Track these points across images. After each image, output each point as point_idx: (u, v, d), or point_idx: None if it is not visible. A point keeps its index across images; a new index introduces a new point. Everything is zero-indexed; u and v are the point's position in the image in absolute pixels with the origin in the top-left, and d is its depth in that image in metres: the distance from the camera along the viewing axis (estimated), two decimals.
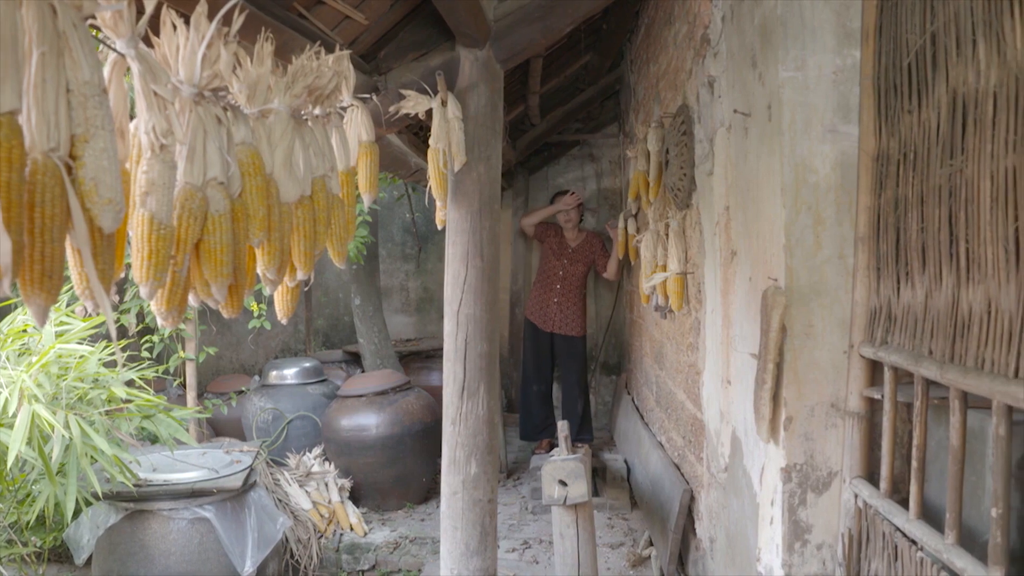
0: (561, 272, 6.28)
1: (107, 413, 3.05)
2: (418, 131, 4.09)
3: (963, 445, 1.62)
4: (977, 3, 1.60)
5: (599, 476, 5.61)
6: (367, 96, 2.51)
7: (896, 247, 2.00)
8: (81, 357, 3.00)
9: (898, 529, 1.88)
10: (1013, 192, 1.46)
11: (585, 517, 3.20)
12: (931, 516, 1.83)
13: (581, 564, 3.17)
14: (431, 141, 2.68)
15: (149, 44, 1.34)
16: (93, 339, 3.33)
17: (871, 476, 2.15)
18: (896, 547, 1.88)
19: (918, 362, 1.79)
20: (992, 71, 1.54)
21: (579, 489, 3.13)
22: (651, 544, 4.35)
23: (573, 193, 6.29)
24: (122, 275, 1.27)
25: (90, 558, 3.48)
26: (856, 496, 2.15)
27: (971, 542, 1.69)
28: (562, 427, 3.38)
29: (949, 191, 1.72)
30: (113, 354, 3.09)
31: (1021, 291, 1.43)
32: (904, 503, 1.88)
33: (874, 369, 2.15)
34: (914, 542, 1.80)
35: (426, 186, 2.73)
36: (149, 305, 1.39)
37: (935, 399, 1.79)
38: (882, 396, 2.03)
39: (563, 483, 3.12)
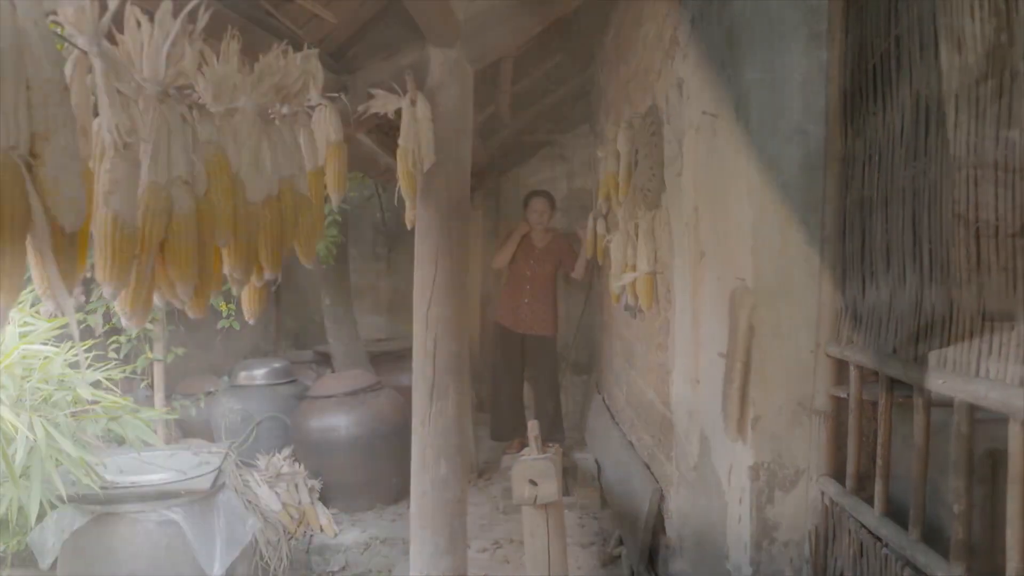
0: (529, 273, 6.30)
1: (73, 415, 3.00)
2: (388, 130, 4.06)
3: (926, 443, 1.64)
4: (939, 7, 1.63)
5: (570, 476, 5.61)
6: (336, 95, 2.49)
7: (862, 247, 2.03)
8: (46, 358, 2.95)
9: (864, 526, 1.90)
10: (974, 194, 1.48)
11: (556, 516, 3.20)
12: (896, 513, 1.85)
13: (552, 563, 3.17)
14: (400, 141, 2.66)
15: (113, 41, 1.33)
16: (59, 339, 3.27)
17: (838, 474, 2.17)
18: (862, 544, 1.90)
19: (882, 361, 1.82)
20: (953, 74, 1.57)
21: (549, 489, 3.12)
22: (621, 543, 4.37)
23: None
24: (88, 274, 1.26)
25: (55, 562, 3.42)
26: (823, 494, 2.17)
27: (935, 538, 1.71)
28: (532, 427, 3.38)
29: (913, 192, 1.74)
30: (78, 355, 3.04)
31: (981, 292, 1.45)
32: (870, 500, 1.90)
33: (840, 368, 2.18)
34: (879, 539, 1.82)
35: (396, 185, 2.72)
36: (114, 305, 1.37)
37: (899, 398, 1.82)
38: (848, 395, 2.06)
39: (533, 483, 3.12)
